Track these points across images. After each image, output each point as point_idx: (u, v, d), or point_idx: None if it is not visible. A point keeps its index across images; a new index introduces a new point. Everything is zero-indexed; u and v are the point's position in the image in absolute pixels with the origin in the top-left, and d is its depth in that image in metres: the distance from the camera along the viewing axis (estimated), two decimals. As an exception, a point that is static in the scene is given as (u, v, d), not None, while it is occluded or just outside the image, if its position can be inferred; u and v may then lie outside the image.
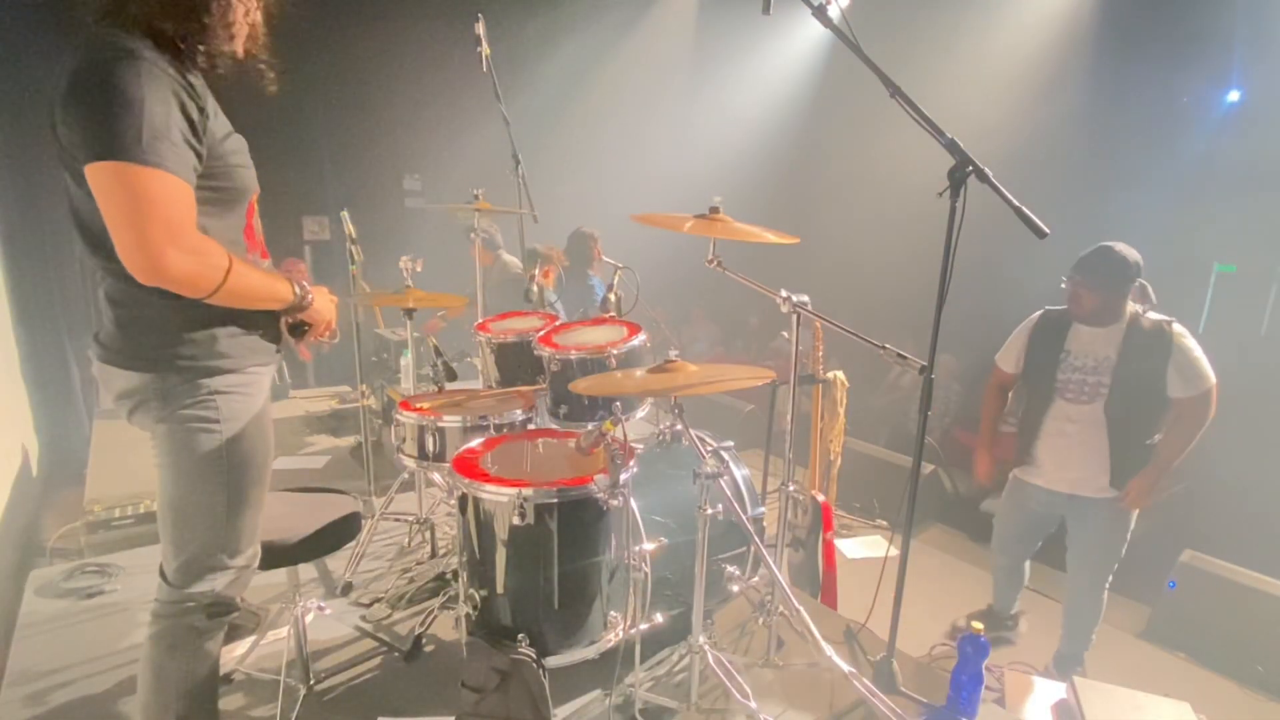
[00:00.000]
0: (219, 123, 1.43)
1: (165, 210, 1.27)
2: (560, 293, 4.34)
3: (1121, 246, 2.60)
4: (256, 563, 1.65)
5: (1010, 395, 3.07)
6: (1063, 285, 2.70)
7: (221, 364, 1.47)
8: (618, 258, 2.71)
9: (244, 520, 1.56)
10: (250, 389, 1.53)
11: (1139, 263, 2.60)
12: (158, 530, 1.54)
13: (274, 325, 1.60)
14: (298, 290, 1.52)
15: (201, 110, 1.36)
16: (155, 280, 1.30)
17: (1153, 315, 2.62)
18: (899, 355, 2.03)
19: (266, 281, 1.49)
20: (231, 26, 1.42)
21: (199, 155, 1.36)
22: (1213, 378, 2.52)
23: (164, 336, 1.42)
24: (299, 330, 1.64)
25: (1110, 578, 2.85)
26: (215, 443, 1.47)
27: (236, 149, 1.48)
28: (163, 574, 1.55)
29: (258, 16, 1.48)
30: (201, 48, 1.40)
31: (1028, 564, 3.17)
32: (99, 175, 1.26)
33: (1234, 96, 5.43)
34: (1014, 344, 2.90)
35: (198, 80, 1.39)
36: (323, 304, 1.61)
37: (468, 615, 1.99)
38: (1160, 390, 2.55)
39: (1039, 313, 2.86)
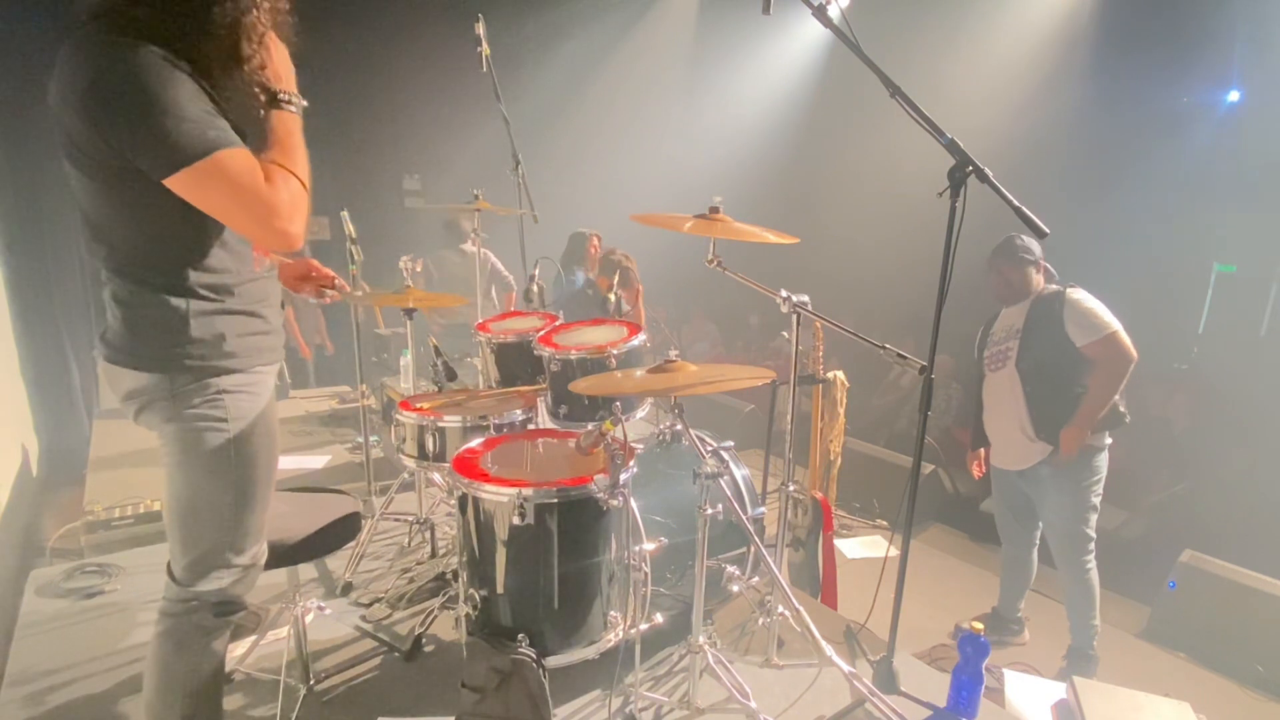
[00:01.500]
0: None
1: (246, 184, 1.32)
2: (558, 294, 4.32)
3: (1021, 236, 2.87)
4: (263, 561, 1.65)
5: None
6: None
7: (229, 363, 1.47)
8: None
9: (251, 518, 1.56)
10: (256, 388, 1.54)
11: (1035, 247, 2.91)
12: (161, 529, 1.55)
13: (279, 320, 1.61)
14: (294, 107, 1.50)
15: (212, 99, 1.36)
16: (290, 245, 1.38)
17: (1053, 286, 2.89)
18: (899, 355, 2.03)
19: (298, 140, 1.48)
20: (231, 39, 1.41)
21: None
22: (1114, 324, 2.73)
23: (171, 336, 1.42)
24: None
25: (1088, 556, 2.90)
26: (223, 441, 1.47)
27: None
28: (170, 572, 1.56)
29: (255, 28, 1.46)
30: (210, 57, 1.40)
31: (1034, 558, 3.17)
32: (182, 186, 1.30)
33: (1234, 96, 5.43)
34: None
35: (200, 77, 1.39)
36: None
37: (468, 615, 1.99)
38: (1068, 344, 2.77)
39: None
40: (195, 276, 1.42)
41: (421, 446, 2.38)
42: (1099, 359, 2.75)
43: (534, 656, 1.83)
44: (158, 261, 1.41)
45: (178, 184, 1.30)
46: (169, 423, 1.46)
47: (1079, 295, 2.80)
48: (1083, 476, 2.84)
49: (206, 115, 1.31)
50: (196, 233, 1.40)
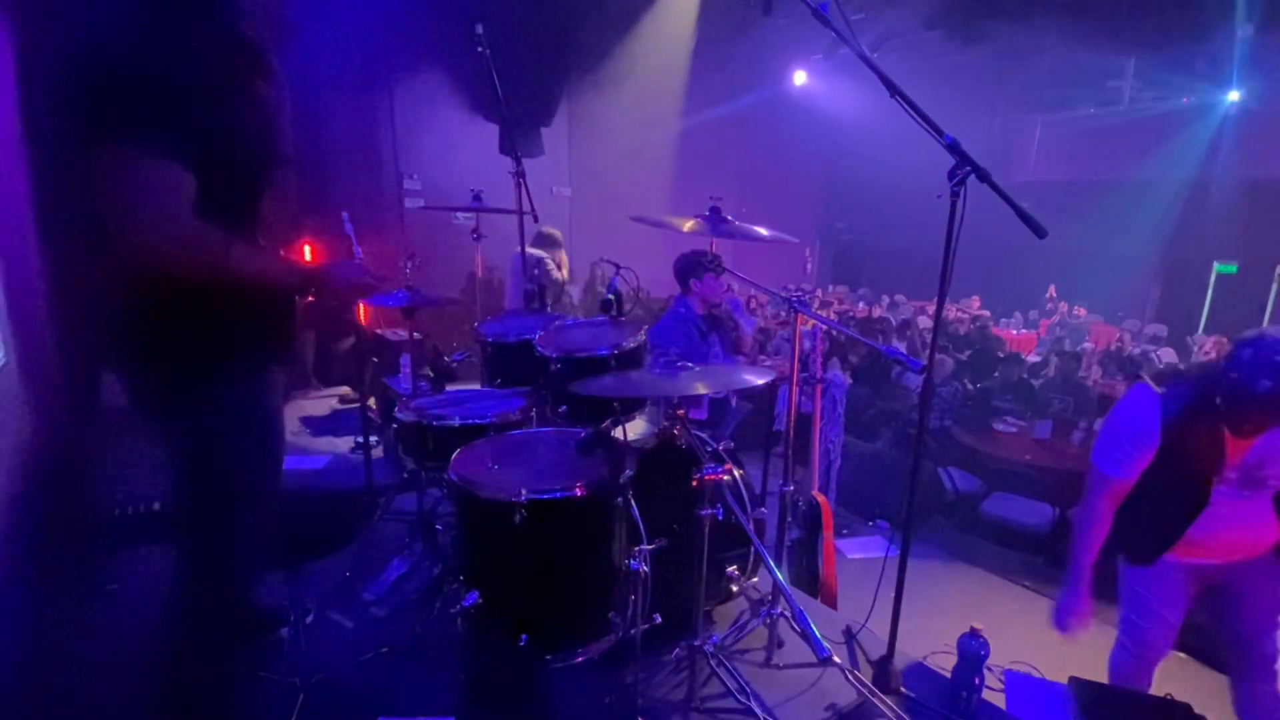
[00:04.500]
0: (235, 116, 1.42)
1: (157, 196, 1.28)
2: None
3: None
4: (267, 559, 1.65)
5: None
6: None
7: (239, 361, 1.47)
8: (617, 257, 2.71)
9: (256, 516, 1.56)
10: (264, 385, 1.54)
11: None
12: (162, 529, 1.55)
13: (290, 324, 1.60)
14: (301, 282, 1.51)
15: (215, 99, 1.36)
16: (140, 263, 1.31)
17: None
18: (899, 355, 2.03)
19: (265, 271, 1.47)
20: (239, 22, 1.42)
21: (210, 144, 1.35)
22: None
23: (183, 332, 1.42)
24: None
25: None
26: (229, 439, 1.47)
27: (251, 145, 1.47)
28: (175, 569, 1.56)
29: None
30: (214, 41, 1.41)
31: None
32: (100, 159, 1.28)
33: (1234, 96, 5.44)
34: (1131, 446, 2.19)
35: (211, 72, 1.39)
36: (335, 284, 1.57)
37: (468, 615, 1.98)
38: None
39: (1152, 403, 2.13)
40: None
41: (421, 446, 2.38)
42: None
43: (534, 656, 1.83)
44: None
45: (99, 158, 1.27)
46: (176, 419, 1.46)
47: None
48: None
49: (177, 124, 1.28)
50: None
